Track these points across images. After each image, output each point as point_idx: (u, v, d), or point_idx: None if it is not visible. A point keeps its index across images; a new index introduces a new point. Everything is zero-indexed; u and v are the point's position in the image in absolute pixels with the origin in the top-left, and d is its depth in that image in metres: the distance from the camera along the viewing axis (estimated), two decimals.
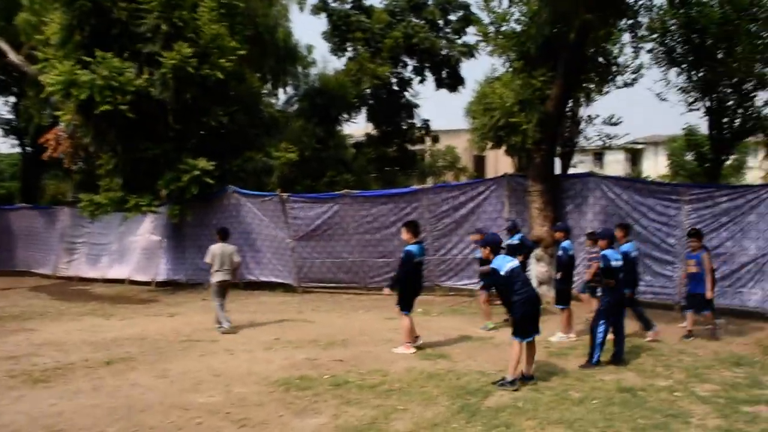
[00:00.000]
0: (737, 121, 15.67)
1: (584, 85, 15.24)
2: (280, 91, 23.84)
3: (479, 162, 40.88)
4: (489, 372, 7.86)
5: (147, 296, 15.80)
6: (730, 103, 15.61)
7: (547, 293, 12.23)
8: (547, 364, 8.30)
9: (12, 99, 24.07)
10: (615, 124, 18.35)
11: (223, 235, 11.24)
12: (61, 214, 20.44)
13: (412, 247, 9.11)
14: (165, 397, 6.98)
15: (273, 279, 16.33)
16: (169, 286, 16.97)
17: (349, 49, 25.10)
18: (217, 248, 10.90)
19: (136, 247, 18.19)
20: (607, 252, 8.39)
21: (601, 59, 14.51)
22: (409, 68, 25.92)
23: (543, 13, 12.03)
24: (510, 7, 14.23)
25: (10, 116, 24.67)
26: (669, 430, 5.84)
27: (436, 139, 28.23)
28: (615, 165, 42.71)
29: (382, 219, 15.40)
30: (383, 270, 15.62)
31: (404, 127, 26.46)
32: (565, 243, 10.01)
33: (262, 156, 16.89)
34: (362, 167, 22.95)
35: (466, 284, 14.99)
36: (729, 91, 15.66)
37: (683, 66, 15.97)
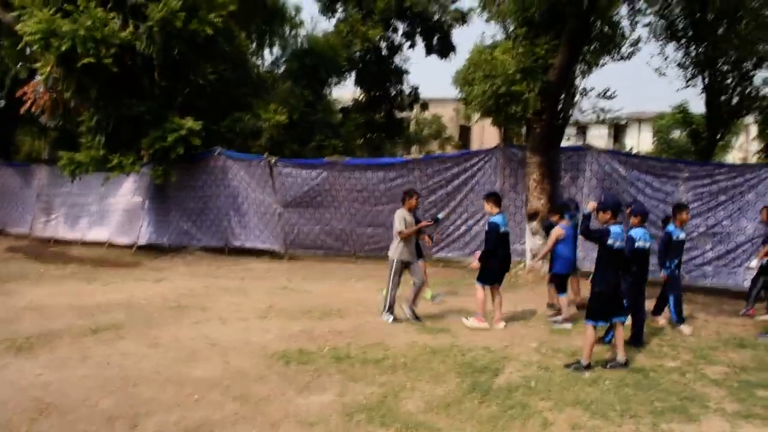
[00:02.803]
0: (735, 100, 15.50)
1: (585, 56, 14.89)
2: (266, 52, 23.16)
3: (465, 132, 40.59)
4: (494, 348, 7.67)
5: (129, 260, 15.34)
6: (729, 81, 15.41)
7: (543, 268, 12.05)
8: (550, 341, 8.13)
9: None
10: (610, 97, 18.05)
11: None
12: (39, 172, 19.73)
13: (497, 218, 8.80)
14: (159, 368, 6.64)
15: (259, 245, 15.97)
16: (151, 249, 16.49)
17: (340, 9, 24.40)
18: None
19: (117, 208, 17.61)
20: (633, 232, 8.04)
21: (607, 29, 14.12)
22: (400, 33, 25.32)
23: None
24: None
25: None
26: (688, 414, 5.69)
27: (425, 107, 27.72)
28: (598, 140, 42.59)
29: (371, 188, 15.03)
30: (372, 239, 15.36)
31: (392, 94, 25.95)
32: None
33: (250, 117, 16.32)
34: (350, 133, 22.45)
35: (457, 255, 14.84)
36: (727, 68, 15.46)
37: (682, 41, 15.69)
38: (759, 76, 15.24)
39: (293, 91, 19.61)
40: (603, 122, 19.76)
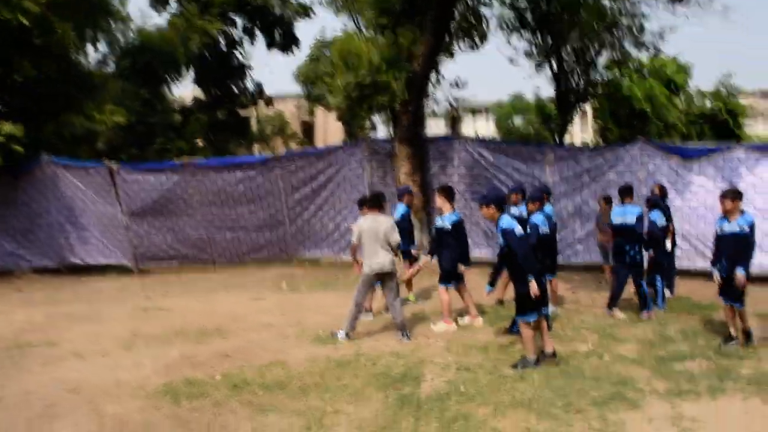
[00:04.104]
0: (581, 85, 16.25)
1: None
2: (90, 49, 20.78)
3: (307, 128, 39.85)
4: (403, 353, 7.05)
5: None
6: (575, 68, 16.13)
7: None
8: (455, 337, 7.69)
9: None
10: (460, 87, 18.34)
11: (373, 203, 7.98)
12: None
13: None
14: None
15: (103, 260, 14.15)
16: None
17: (173, 3, 22.58)
18: (365, 223, 7.82)
19: None
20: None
21: (469, 16, 14.10)
22: (239, 27, 23.97)
23: None
24: None
25: None
26: (628, 400, 5.44)
27: (269, 103, 26.55)
28: (436, 131, 43.72)
29: (229, 190, 13.93)
30: (233, 244, 14.29)
31: (235, 91, 24.57)
32: (549, 208, 8.78)
33: (82, 120, 14.36)
34: (193, 134, 20.88)
35: (326, 254, 14.21)
36: (572, 57, 16.18)
37: (531, 31, 16.16)
38: (601, 62, 16.08)
39: (126, 90, 17.75)
40: (456, 111, 20.05)
